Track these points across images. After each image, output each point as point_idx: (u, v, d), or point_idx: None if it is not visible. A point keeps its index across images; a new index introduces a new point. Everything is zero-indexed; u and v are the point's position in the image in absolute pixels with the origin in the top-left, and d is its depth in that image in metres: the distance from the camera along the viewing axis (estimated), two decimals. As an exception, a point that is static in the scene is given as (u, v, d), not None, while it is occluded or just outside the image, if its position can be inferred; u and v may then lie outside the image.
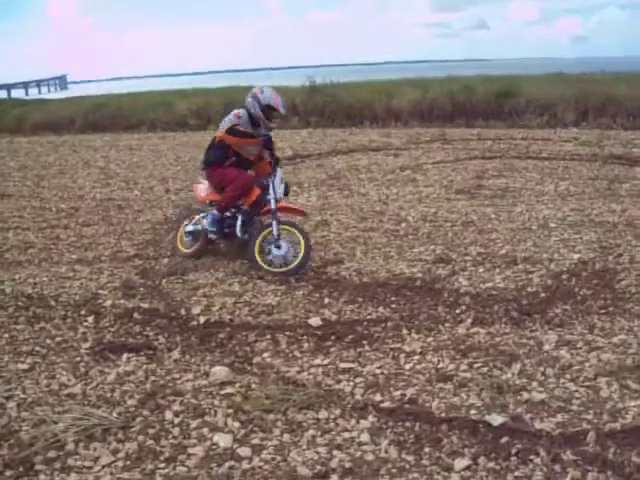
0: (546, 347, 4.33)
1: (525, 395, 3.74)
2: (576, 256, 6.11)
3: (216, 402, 3.87)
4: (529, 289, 5.39)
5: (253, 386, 4.01)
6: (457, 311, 5.03)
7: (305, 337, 4.71)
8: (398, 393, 3.86)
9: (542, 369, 4.03)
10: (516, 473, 3.06)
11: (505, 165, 10.93)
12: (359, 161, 12.01)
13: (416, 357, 4.32)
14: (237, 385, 4.04)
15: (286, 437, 3.48)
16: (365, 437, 3.43)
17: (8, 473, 3.27)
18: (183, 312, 5.27)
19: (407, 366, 4.21)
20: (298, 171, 11.36)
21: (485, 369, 4.07)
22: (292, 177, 10.73)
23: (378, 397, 3.84)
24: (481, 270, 5.90)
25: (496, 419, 3.46)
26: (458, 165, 11.18)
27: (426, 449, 3.31)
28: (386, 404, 3.75)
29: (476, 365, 4.12)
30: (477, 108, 17.55)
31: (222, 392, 3.98)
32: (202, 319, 5.10)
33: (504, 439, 3.30)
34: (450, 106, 17.70)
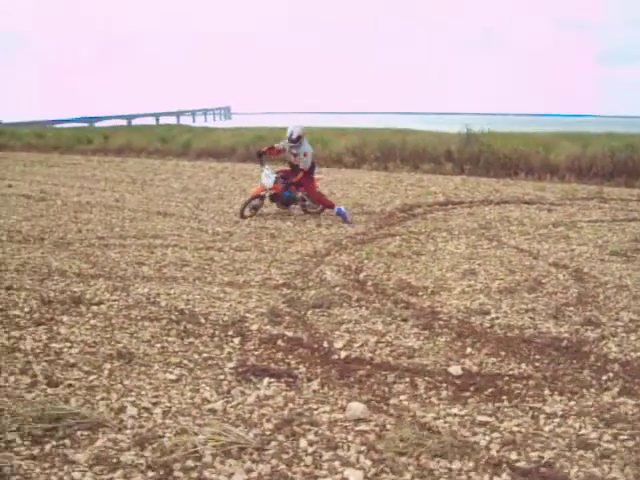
0: (700, 426, 4.08)
1: (675, 476, 3.54)
2: None
3: (350, 437, 3.94)
4: (685, 363, 5.10)
5: (388, 427, 4.04)
6: (604, 377, 4.82)
7: (444, 384, 4.68)
8: (535, 454, 3.77)
9: (694, 449, 3.80)
10: None
11: (667, 229, 10.39)
12: (511, 213, 11.83)
13: (557, 420, 4.19)
14: (372, 423, 4.09)
15: (417, 482, 3.48)
16: (498, 494, 3.38)
17: (150, 474, 3.51)
18: (325, 345, 5.39)
19: (546, 428, 4.09)
20: (449, 217, 11.33)
21: (631, 443, 3.87)
22: (442, 223, 10.72)
23: (514, 456, 3.75)
24: (633, 337, 5.63)
25: (639, 496, 3.31)
26: (615, 225, 10.75)
27: (561, 516, 3.21)
28: (522, 464, 3.67)
29: (621, 437, 3.94)
30: (639, 167, 16.82)
31: (357, 428, 4.03)
32: (343, 354, 5.19)
33: (646, 518, 3.15)
34: (610, 163, 17.05)
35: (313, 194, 11.51)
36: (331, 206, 11.33)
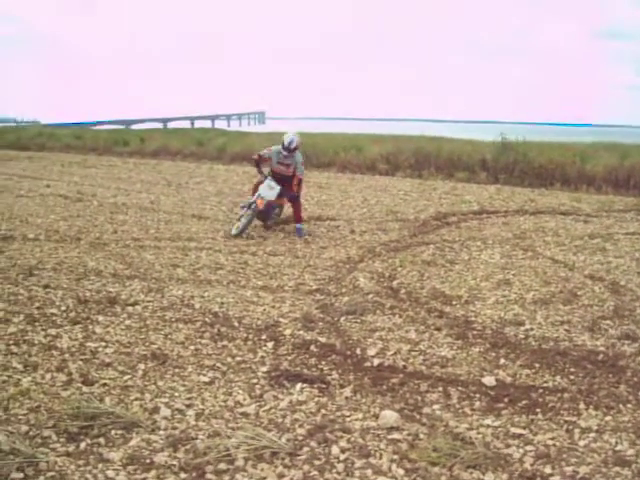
0: None
1: None
2: None
3: (382, 445, 3.93)
4: None
5: (421, 436, 4.02)
6: (641, 393, 4.77)
7: (477, 395, 4.65)
8: (570, 469, 3.72)
9: None
10: None
11: None
12: (546, 223, 11.70)
13: (592, 435, 4.14)
14: (405, 432, 4.07)
15: (450, 493, 3.46)
16: (532, 508, 3.34)
17: (182, 475, 3.54)
18: (358, 352, 5.39)
19: (581, 442, 4.04)
20: (483, 227, 11.25)
21: (668, 461, 3.82)
22: (476, 233, 10.65)
23: (548, 469, 3.71)
24: (671, 354, 5.54)
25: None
26: (653, 238, 10.59)
27: (596, 532, 3.17)
28: (556, 478, 3.62)
29: (659, 455, 3.88)
30: (680, 179, 16.53)
31: (389, 437, 4.02)
32: (376, 361, 5.18)
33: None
34: (649, 174, 16.80)
35: (299, 202, 10.90)
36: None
